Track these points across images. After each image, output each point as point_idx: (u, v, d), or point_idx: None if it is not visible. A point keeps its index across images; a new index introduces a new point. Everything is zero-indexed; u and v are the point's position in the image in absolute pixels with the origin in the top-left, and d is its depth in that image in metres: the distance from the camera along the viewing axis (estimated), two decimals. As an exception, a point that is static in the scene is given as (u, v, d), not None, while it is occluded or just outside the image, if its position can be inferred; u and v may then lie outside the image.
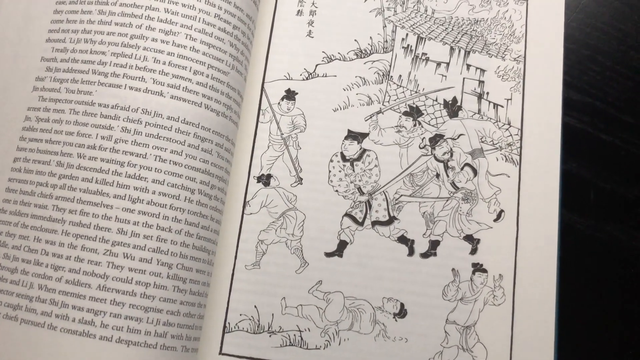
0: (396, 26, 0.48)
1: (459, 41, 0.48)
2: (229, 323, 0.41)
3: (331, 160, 0.46)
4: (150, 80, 0.39)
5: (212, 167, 0.40)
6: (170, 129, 0.38)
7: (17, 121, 0.39)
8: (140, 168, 0.38)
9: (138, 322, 0.36)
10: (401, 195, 0.45)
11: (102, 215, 0.37)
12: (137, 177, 0.37)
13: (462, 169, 0.46)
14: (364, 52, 0.48)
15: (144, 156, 0.38)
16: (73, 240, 0.36)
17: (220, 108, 0.40)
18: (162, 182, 0.37)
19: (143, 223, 0.37)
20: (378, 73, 0.48)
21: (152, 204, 0.37)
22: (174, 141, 0.38)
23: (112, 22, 0.40)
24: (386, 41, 0.48)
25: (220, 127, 0.40)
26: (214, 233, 0.40)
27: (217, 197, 0.40)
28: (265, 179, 0.44)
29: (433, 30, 0.48)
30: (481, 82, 0.48)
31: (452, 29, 0.48)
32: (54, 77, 0.39)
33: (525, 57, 0.48)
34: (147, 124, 0.38)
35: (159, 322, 0.37)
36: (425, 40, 0.48)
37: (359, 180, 0.46)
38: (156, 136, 0.38)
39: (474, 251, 0.44)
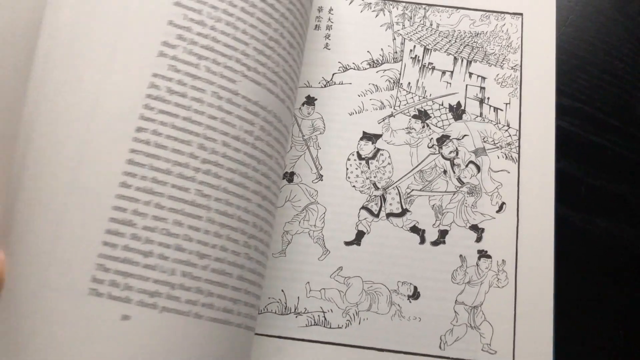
0: (405, 39, 0.49)
1: (461, 52, 0.49)
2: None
3: (348, 159, 0.47)
4: (279, 86, 0.38)
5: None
6: (285, 138, 0.39)
7: (139, 84, 0.32)
8: (269, 169, 0.37)
9: (256, 310, 0.37)
10: (412, 190, 0.46)
11: (244, 208, 0.35)
12: (267, 177, 0.37)
13: (466, 166, 0.47)
14: (376, 62, 0.49)
15: (271, 158, 0.37)
16: (218, 229, 0.33)
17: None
18: (275, 183, 0.38)
19: (266, 220, 0.37)
20: (389, 81, 0.49)
21: (271, 203, 0.38)
22: (284, 148, 0.39)
23: (254, 15, 0.36)
24: (396, 52, 0.49)
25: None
26: None
27: None
28: (289, 176, 0.46)
29: (438, 42, 0.49)
30: (482, 89, 0.48)
31: (455, 41, 0.49)
32: (190, 50, 0.33)
33: (521, 66, 0.49)
34: (275, 128, 0.37)
35: (259, 308, 0.38)
36: (431, 51, 0.49)
37: (374, 177, 0.47)
38: (278, 141, 0.38)
39: (479, 239, 0.45)
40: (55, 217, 0.30)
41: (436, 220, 0.46)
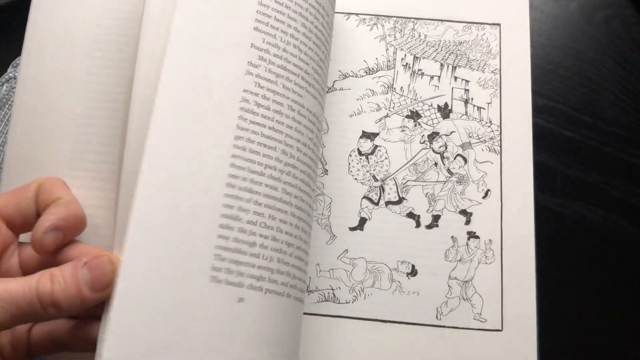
0: (396, 49, 0.52)
1: (447, 59, 0.51)
2: (275, 285, 0.45)
3: (350, 155, 0.49)
4: (324, 99, 0.41)
5: None
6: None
7: (233, 99, 0.35)
8: (317, 169, 0.41)
9: (304, 284, 0.39)
10: (407, 181, 0.48)
11: (308, 203, 0.38)
12: (316, 175, 0.41)
13: (455, 158, 0.49)
14: (371, 69, 0.51)
15: (319, 160, 0.41)
16: (297, 221, 0.37)
17: None
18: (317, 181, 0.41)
19: (313, 211, 0.41)
20: (384, 86, 0.50)
21: (315, 197, 0.41)
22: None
23: (311, 39, 0.39)
24: (389, 61, 0.51)
25: None
26: None
27: None
28: (298, 172, 0.49)
29: (426, 51, 0.51)
30: (466, 90, 0.50)
31: (441, 50, 0.51)
32: (269, 69, 0.36)
33: (500, 70, 0.51)
34: (321, 135, 0.42)
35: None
36: (420, 59, 0.51)
37: (373, 170, 0.48)
38: (320, 145, 0.42)
39: (468, 222, 0.47)
40: (175, 216, 0.32)
41: (429, 206, 0.48)
